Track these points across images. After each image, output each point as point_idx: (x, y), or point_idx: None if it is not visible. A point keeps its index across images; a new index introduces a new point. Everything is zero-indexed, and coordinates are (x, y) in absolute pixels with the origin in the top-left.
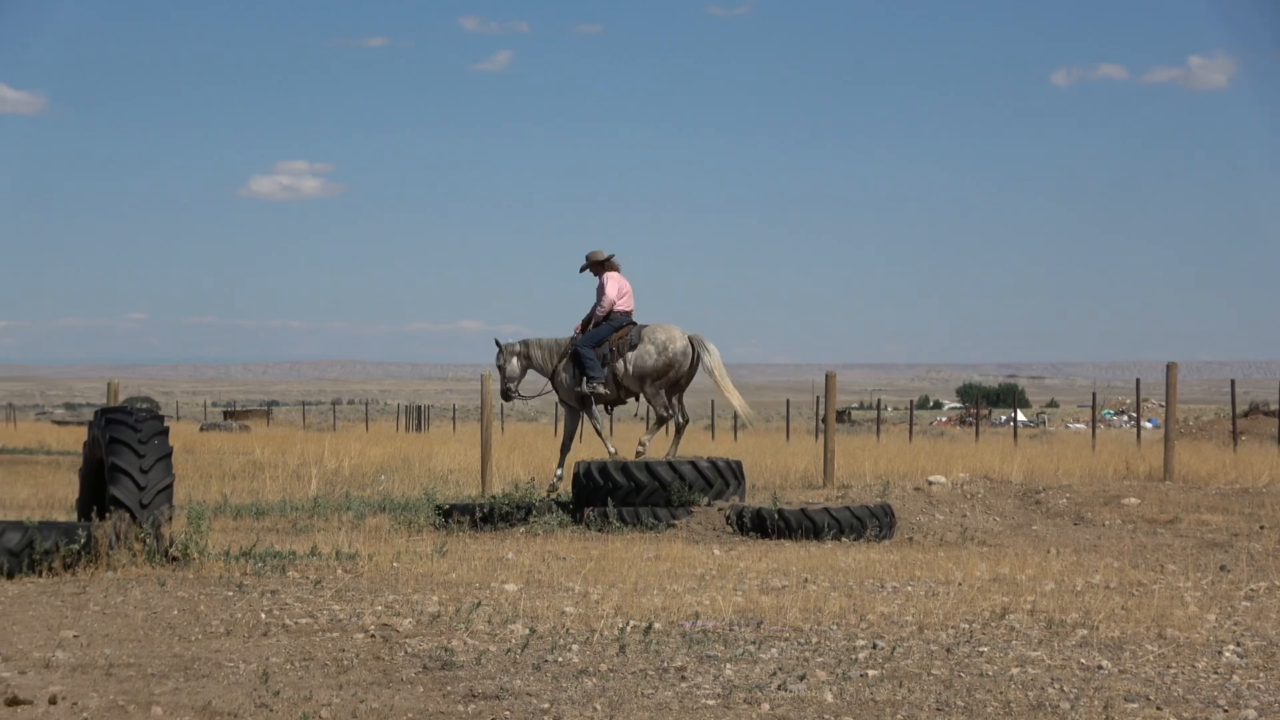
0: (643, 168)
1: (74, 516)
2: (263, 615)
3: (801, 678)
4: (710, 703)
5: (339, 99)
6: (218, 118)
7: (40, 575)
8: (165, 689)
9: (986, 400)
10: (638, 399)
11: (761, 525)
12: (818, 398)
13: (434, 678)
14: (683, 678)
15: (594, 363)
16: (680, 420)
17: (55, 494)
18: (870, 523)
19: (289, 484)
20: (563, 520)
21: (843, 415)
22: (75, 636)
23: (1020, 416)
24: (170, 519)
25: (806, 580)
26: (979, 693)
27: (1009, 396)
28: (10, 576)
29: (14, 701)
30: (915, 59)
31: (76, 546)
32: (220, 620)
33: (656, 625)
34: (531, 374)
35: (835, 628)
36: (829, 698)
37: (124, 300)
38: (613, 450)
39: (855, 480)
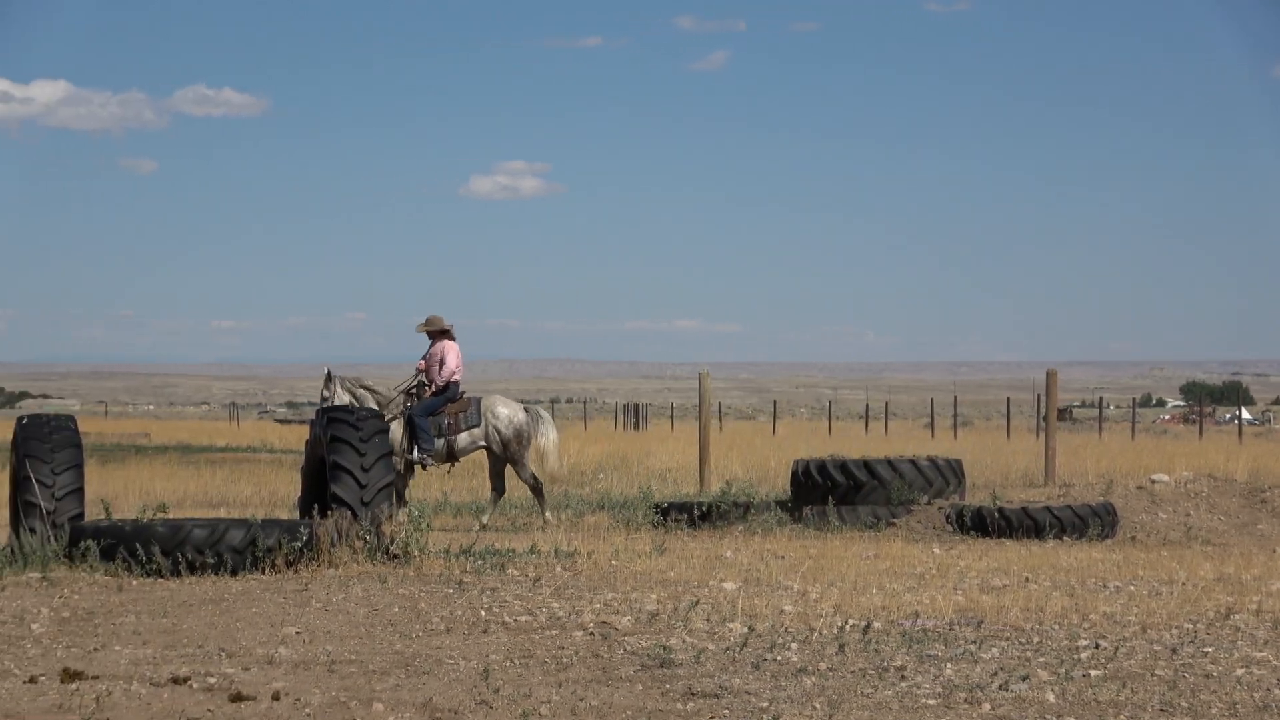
0: (860, 167)
1: (296, 514)
2: (482, 613)
3: (1023, 678)
4: (930, 702)
5: (557, 99)
6: (437, 118)
7: (263, 572)
8: (386, 686)
9: (1210, 398)
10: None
11: (982, 524)
12: (1039, 396)
13: (653, 676)
14: (902, 677)
15: (428, 435)
16: (499, 491)
17: (277, 492)
18: (1092, 522)
19: (508, 482)
20: (781, 519)
21: (1064, 413)
22: (298, 633)
23: (1245, 414)
24: (391, 517)
25: (1028, 579)
26: (1203, 694)
27: (1233, 394)
28: (234, 574)
29: (238, 697)
30: (1154, 43)
31: (299, 544)
32: (440, 617)
33: (876, 624)
34: None
35: (1057, 627)
36: (1051, 698)
37: (344, 300)
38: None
39: (1077, 479)
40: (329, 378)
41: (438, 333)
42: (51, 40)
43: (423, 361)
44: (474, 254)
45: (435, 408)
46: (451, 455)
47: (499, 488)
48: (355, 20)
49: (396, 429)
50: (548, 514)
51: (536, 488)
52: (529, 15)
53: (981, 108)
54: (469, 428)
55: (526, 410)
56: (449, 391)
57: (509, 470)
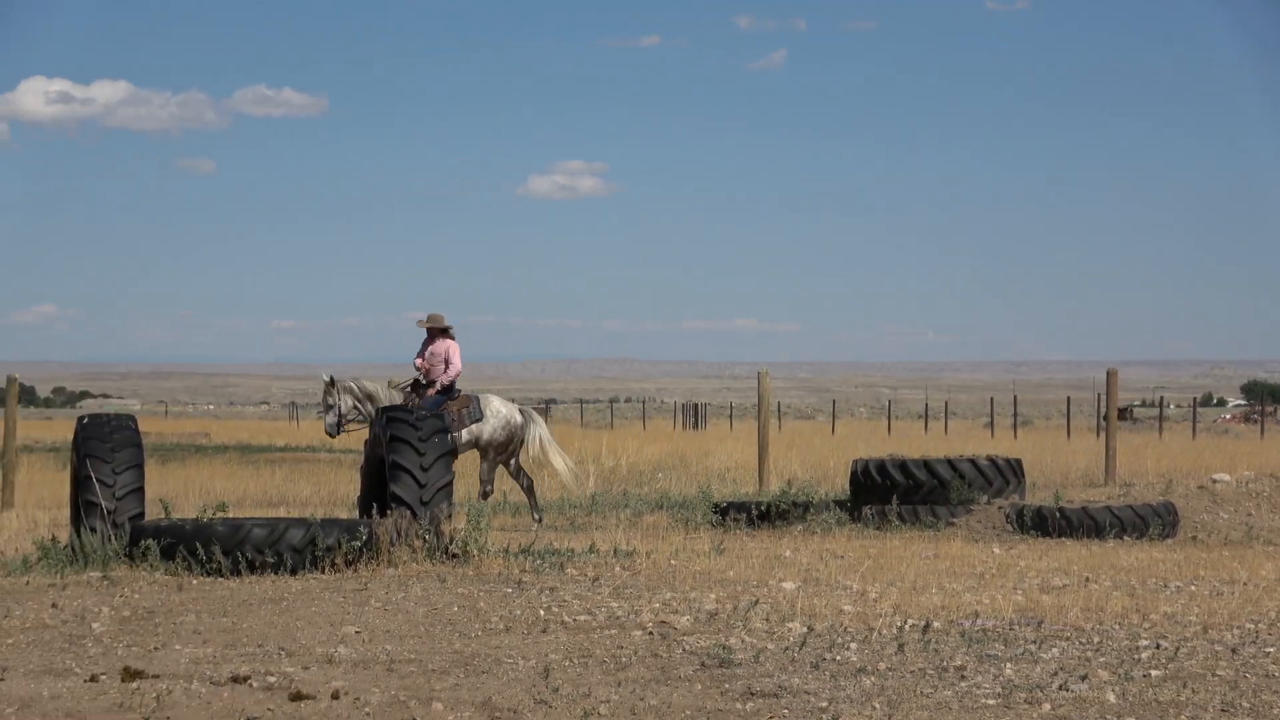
0: (920, 166)
1: (355, 514)
2: (541, 612)
3: (1083, 678)
4: (990, 702)
5: (615, 98)
6: (495, 118)
7: (323, 572)
8: (446, 685)
9: (1272, 397)
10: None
11: (1042, 523)
12: (1099, 395)
13: (712, 675)
14: (962, 677)
15: None
16: (525, 483)
17: (337, 491)
18: (1153, 521)
19: (550, 482)
20: (840, 518)
21: (1124, 413)
22: (357, 632)
23: None
24: (450, 516)
25: (1088, 579)
26: (1265, 694)
27: None
28: (294, 573)
29: (298, 696)
30: (1212, 42)
31: (358, 543)
32: (500, 617)
33: (935, 624)
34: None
35: (1117, 627)
36: (1111, 698)
37: (403, 299)
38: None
39: (1137, 478)
40: (331, 383)
41: (438, 331)
42: (112, 41)
43: (421, 359)
44: (532, 254)
45: (439, 405)
46: (454, 452)
47: (524, 479)
48: (414, 20)
49: None
50: (538, 514)
51: (527, 488)
52: (587, 14)
53: (1041, 106)
54: (472, 423)
55: (521, 411)
56: (450, 390)
57: (470, 469)
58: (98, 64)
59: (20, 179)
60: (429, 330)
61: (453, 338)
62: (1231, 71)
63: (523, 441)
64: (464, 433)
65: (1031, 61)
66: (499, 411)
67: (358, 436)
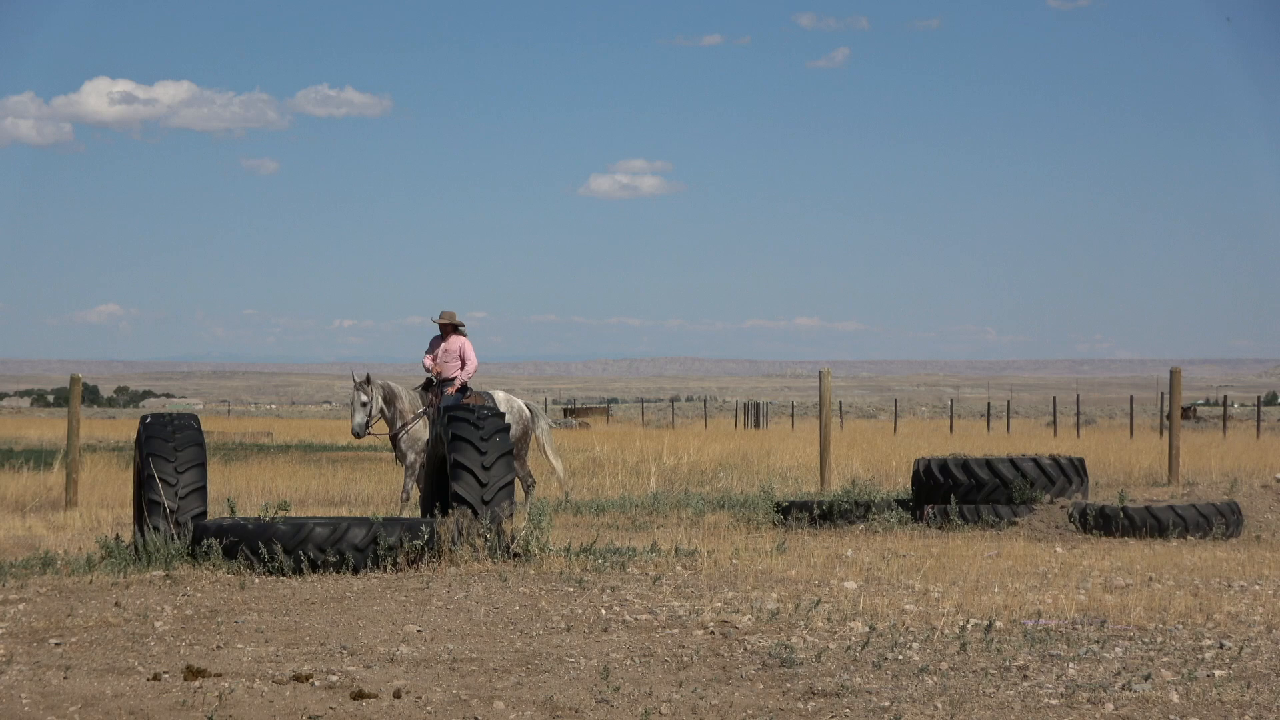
0: (981, 164)
1: (417, 513)
2: (603, 611)
3: (1146, 677)
4: (1053, 702)
5: (677, 97)
6: (557, 117)
7: (385, 570)
8: (507, 684)
9: None
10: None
11: (1105, 523)
12: (1162, 394)
13: (773, 674)
14: (1025, 677)
15: None
16: (529, 481)
17: (399, 491)
18: (1216, 521)
19: (628, 481)
20: (902, 518)
21: (1188, 412)
22: (419, 631)
23: None
24: (511, 515)
25: (1151, 579)
26: None
27: None
28: (356, 572)
29: (360, 695)
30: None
31: (420, 542)
32: (561, 616)
33: (998, 623)
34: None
35: (1181, 627)
36: (1174, 698)
37: (465, 298)
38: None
39: (1201, 478)
40: (366, 381)
41: (449, 328)
42: (175, 41)
43: (430, 357)
44: (593, 253)
45: (458, 402)
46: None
47: (527, 477)
48: (476, 21)
49: (423, 428)
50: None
51: (529, 486)
52: (650, 14)
53: (1105, 104)
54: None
55: (528, 405)
56: (464, 388)
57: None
58: (161, 65)
59: (84, 179)
60: (441, 328)
61: (464, 334)
62: None
63: (533, 436)
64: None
65: (1095, 59)
66: (514, 406)
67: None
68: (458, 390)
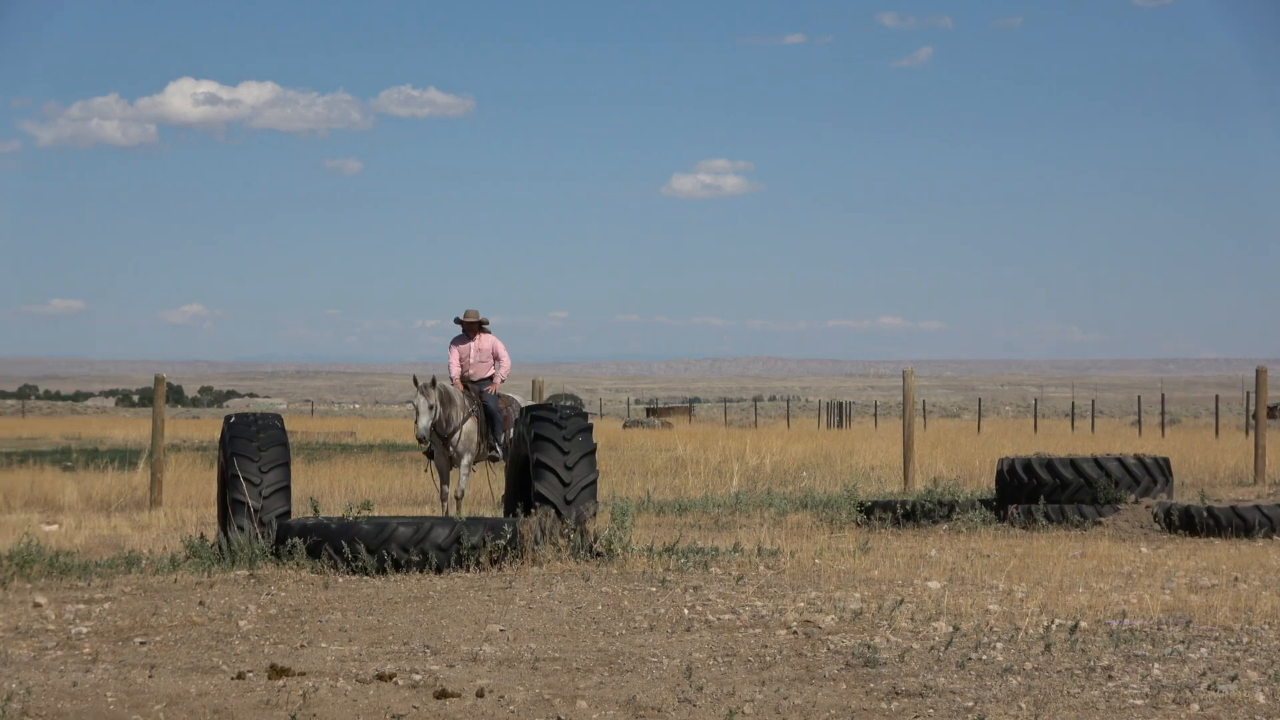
0: (1063, 162)
1: (500, 512)
2: (685, 611)
3: (1232, 678)
4: (1138, 703)
5: (759, 97)
6: (640, 117)
7: (468, 570)
8: (590, 683)
9: None
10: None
11: (1190, 523)
12: (1248, 393)
13: (856, 674)
14: (1109, 677)
15: (502, 429)
16: None
17: (481, 490)
18: None
19: (711, 480)
20: (986, 517)
21: (1274, 411)
22: (501, 631)
23: None
24: (594, 515)
25: (1237, 579)
26: None
27: None
28: (439, 571)
29: (443, 694)
30: None
31: (503, 542)
32: (644, 615)
33: (1082, 623)
34: None
35: (1267, 627)
36: (1260, 698)
37: (547, 298)
38: (446, 497)
39: None
40: (432, 384)
41: (474, 327)
42: (258, 42)
43: (457, 358)
44: (676, 253)
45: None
46: (504, 449)
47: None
48: (559, 20)
49: (474, 428)
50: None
51: None
52: (731, 13)
53: (1191, 101)
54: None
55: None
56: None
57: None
58: (244, 65)
59: (168, 180)
60: (465, 326)
61: (489, 332)
62: None
63: None
64: (513, 430)
65: (1179, 56)
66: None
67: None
68: (467, 383)
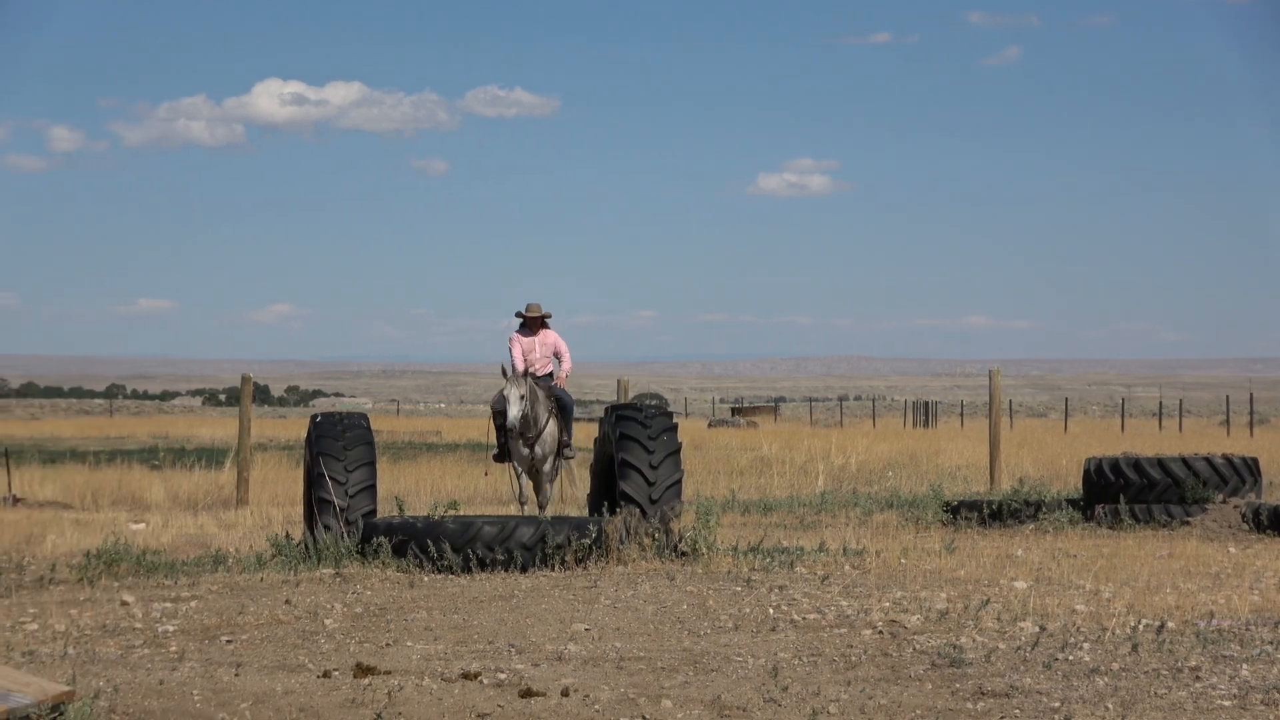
0: (1155, 160)
1: (585, 511)
2: (770, 610)
3: None
4: (1225, 704)
5: (845, 96)
6: (725, 117)
7: (553, 569)
8: (674, 683)
9: None
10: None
11: (1278, 523)
12: None
13: (942, 675)
14: (1197, 678)
15: (571, 428)
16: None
17: (565, 490)
18: None
19: (796, 480)
20: (1073, 517)
21: None
22: (586, 630)
23: None
24: (679, 514)
25: None
26: None
27: None
28: (524, 570)
29: (528, 693)
30: None
31: (587, 541)
32: (728, 615)
33: (1170, 624)
34: None
35: None
36: None
37: (634, 298)
38: (524, 502)
39: None
40: (525, 374)
41: (538, 321)
42: (345, 43)
43: (520, 348)
44: (762, 252)
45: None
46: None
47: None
48: (644, 21)
49: (554, 428)
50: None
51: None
52: (818, 12)
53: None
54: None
55: None
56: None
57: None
58: (331, 66)
59: (255, 181)
60: (528, 321)
61: (551, 328)
62: None
63: None
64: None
65: (1272, 52)
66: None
67: (588, 432)
68: (531, 377)
